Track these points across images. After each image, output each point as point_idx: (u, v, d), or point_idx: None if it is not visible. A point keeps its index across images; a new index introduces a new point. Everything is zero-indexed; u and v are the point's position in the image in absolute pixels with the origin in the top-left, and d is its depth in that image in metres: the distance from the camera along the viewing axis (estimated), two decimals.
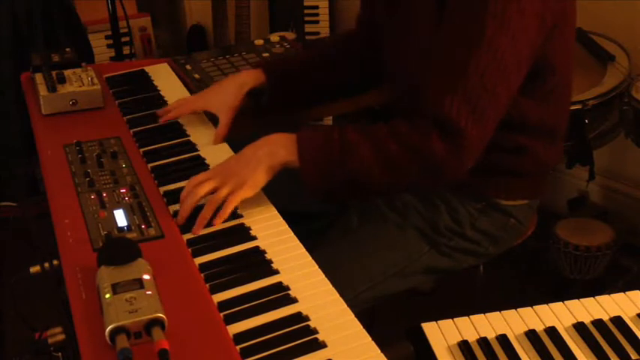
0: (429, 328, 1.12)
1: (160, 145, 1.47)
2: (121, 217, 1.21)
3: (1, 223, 2.75)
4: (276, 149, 1.26)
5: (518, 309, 1.15)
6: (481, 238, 1.47)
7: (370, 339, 0.97)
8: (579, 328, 1.11)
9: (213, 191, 1.24)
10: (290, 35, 2.41)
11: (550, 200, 2.47)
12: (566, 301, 1.17)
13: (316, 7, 3.21)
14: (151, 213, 1.23)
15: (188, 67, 1.89)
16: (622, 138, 2.09)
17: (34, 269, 1.27)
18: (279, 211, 1.26)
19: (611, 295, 1.19)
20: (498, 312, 1.15)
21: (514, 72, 1.25)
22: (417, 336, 1.11)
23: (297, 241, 1.18)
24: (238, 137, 1.47)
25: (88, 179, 1.32)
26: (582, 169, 2.15)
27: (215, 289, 1.07)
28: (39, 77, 1.63)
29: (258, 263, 1.13)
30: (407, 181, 1.30)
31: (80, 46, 2.73)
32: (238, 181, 1.23)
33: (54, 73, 1.62)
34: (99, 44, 3.13)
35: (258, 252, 1.16)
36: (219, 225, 1.21)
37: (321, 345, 0.96)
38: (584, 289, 2.24)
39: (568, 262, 2.22)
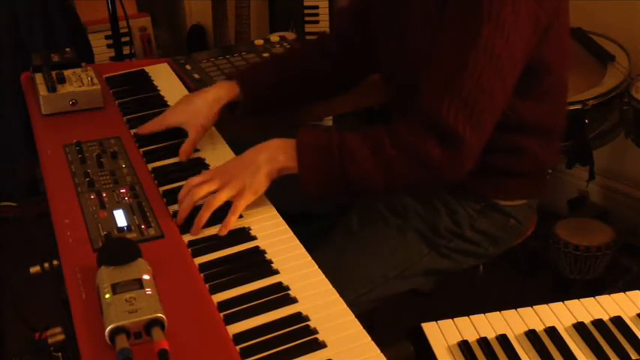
0: (429, 328, 1.12)
1: (160, 145, 1.47)
2: (120, 218, 1.21)
3: (1, 223, 2.75)
4: (276, 155, 1.26)
5: (518, 309, 1.15)
6: (481, 239, 1.47)
7: (370, 339, 0.97)
8: (579, 328, 1.11)
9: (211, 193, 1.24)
10: (290, 35, 2.41)
11: (550, 200, 2.47)
12: (566, 301, 1.17)
13: (316, 7, 3.21)
14: (150, 213, 1.23)
15: (188, 67, 1.89)
16: (622, 138, 2.09)
17: (34, 269, 1.27)
18: (279, 212, 1.26)
19: (611, 295, 1.19)
20: (498, 312, 1.15)
21: (510, 73, 1.25)
22: (417, 336, 1.11)
23: (297, 241, 1.17)
24: (239, 138, 1.47)
25: (87, 179, 1.32)
26: (582, 169, 2.15)
27: (215, 289, 1.07)
28: (39, 77, 1.63)
29: (258, 263, 1.13)
30: (406, 184, 1.31)
31: (80, 46, 2.73)
32: (238, 186, 1.23)
33: (54, 73, 1.62)
34: (99, 44, 3.13)
35: (258, 252, 1.16)
36: (220, 227, 1.21)
37: (321, 345, 0.96)
38: (584, 289, 2.24)
39: (568, 262, 2.22)
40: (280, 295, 1.06)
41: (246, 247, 1.17)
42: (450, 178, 1.26)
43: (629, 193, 2.53)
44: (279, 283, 1.08)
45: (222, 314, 1.02)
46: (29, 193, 2.68)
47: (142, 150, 1.45)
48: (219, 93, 1.51)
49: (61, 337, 1.13)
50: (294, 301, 1.05)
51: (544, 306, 1.16)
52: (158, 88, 1.74)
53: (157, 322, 0.93)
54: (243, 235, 1.20)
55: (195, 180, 1.26)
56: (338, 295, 1.06)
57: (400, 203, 1.45)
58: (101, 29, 3.12)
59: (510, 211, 1.47)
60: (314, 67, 1.61)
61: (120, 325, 0.92)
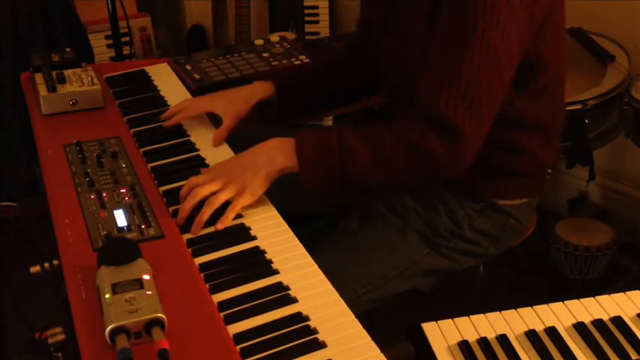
0: (429, 328, 1.12)
1: (160, 145, 1.47)
2: (120, 217, 1.21)
3: (1, 223, 2.75)
4: (275, 155, 1.27)
5: (518, 309, 1.15)
6: (481, 239, 1.47)
7: (370, 339, 0.97)
8: (579, 328, 1.11)
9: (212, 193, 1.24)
10: (290, 35, 2.41)
11: (550, 200, 2.48)
12: (566, 301, 1.17)
13: (316, 7, 3.21)
14: (150, 213, 1.23)
15: (188, 67, 1.89)
16: (622, 138, 2.09)
17: (34, 269, 1.27)
18: (279, 212, 1.26)
19: (611, 295, 1.19)
20: (498, 312, 1.15)
21: (507, 66, 1.25)
22: (417, 336, 1.11)
23: (297, 241, 1.17)
24: (239, 136, 1.47)
25: (88, 179, 1.32)
26: (582, 169, 2.15)
27: (215, 289, 1.07)
28: (39, 77, 1.63)
29: (258, 263, 1.13)
30: (406, 180, 1.31)
31: (80, 46, 2.72)
32: (238, 187, 1.24)
33: (54, 73, 1.62)
34: (99, 44, 3.13)
35: (258, 252, 1.15)
36: (217, 223, 1.21)
37: (321, 345, 0.96)
38: (584, 289, 2.24)
39: (568, 262, 2.22)
40: (280, 295, 1.06)
41: (246, 247, 1.17)
42: (451, 172, 1.26)
43: (629, 193, 2.53)
44: (279, 283, 1.08)
45: (222, 314, 1.02)
46: (29, 193, 2.68)
47: (142, 150, 1.45)
48: (256, 88, 1.57)
49: (61, 337, 1.13)
50: (294, 301, 1.05)
51: (544, 306, 1.16)
52: (158, 88, 1.74)
53: (157, 322, 0.93)
54: (243, 235, 1.20)
55: (196, 180, 1.26)
56: (338, 295, 1.06)
57: (400, 203, 1.45)
58: (101, 29, 3.12)
59: (510, 211, 1.47)
60: (346, 68, 1.67)
61: (120, 325, 0.92)
